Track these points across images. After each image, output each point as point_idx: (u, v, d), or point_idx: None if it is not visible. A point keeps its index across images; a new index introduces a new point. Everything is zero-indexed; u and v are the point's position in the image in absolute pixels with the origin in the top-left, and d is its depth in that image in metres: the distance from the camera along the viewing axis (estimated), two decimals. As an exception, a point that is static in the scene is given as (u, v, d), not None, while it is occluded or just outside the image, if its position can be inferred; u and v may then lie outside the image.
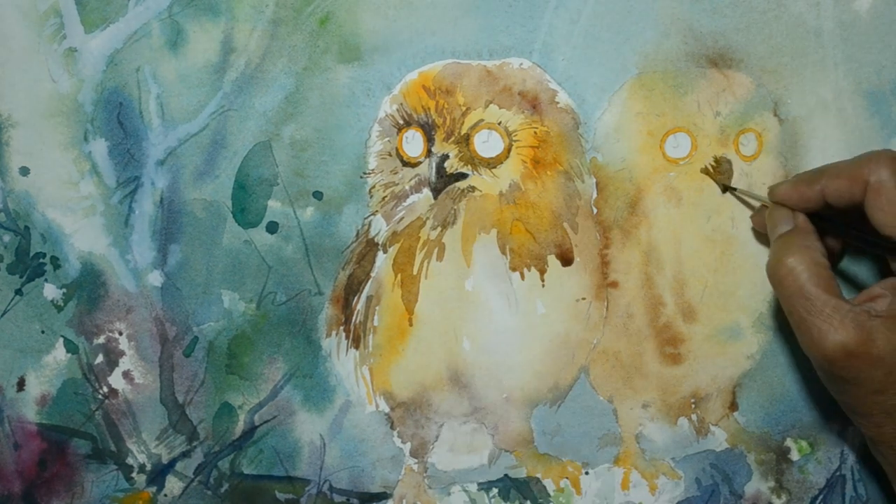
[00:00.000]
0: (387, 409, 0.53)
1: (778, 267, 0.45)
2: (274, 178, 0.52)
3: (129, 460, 0.54)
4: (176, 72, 0.52)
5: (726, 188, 0.52)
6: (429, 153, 0.52)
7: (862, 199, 0.45)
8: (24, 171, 0.53)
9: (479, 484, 0.53)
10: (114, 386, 0.53)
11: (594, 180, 0.52)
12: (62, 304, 0.53)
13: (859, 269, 0.52)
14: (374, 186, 0.52)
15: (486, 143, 0.52)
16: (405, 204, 0.52)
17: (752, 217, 0.52)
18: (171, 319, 0.53)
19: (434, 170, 0.52)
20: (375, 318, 0.53)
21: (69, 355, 0.53)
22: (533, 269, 0.52)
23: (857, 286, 0.51)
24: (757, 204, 0.51)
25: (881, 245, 0.45)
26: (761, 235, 0.52)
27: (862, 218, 0.45)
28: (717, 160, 0.52)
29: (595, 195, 0.52)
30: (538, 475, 0.53)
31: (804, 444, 0.53)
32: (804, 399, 0.53)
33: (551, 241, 0.52)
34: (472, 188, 0.52)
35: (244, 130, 0.52)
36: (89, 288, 0.53)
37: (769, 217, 0.48)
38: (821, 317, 0.43)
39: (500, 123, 0.51)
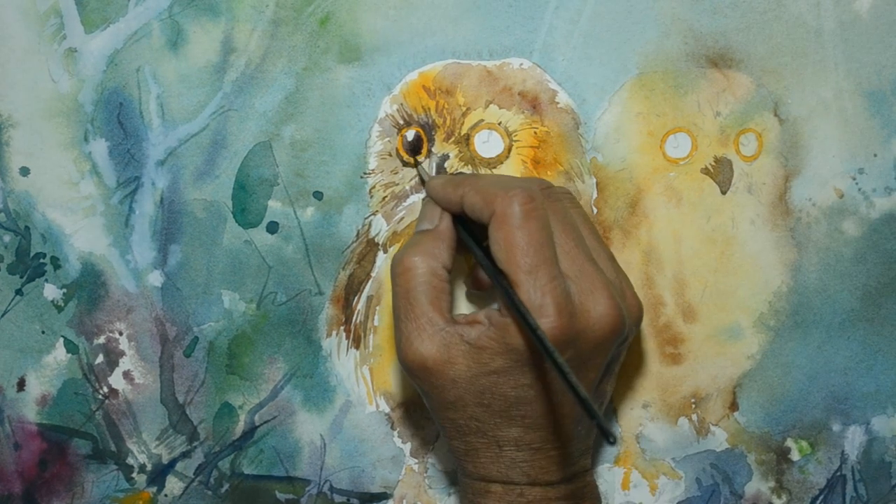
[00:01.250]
0: (387, 410, 0.53)
1: (399, 261, 0.44)
2: (274, 179, 0.52)
3: (130, 460, 0.54)
4: (176, 72, 0.52)
5: (412, 163, 0.50)
6: (429, 153, 0.52)
7: (488, 222, 0.43)
8: (25, 172, 0.53)
9: (479, 484, 0.53)
10: (114, 386, 0.53)
11: (594, 180, 0.52)
12: (62, 305, 0.53)
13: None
14: (374, 186, 0.52)
15: (487, 144, 0.52)
16: (405, 204, 0.52)
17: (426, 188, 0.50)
18: (172, 319, 0.53)
19: (434, 170, 0.51)
20: (376, 318, 0.53)
21: (69, 355, 0.53)
22: (533, 269, 0.52)
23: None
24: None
25: (492, 274, 0.43)
26: (761, 236, 0.52)
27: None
28: (717, 160, 0.52)
29: (595, 195, 0.52)
30: (538, 475, 0.53)
31: (804, 444, 0.53)
32: (804, 399, 0.53)
33: (551, 242, 0.52)
34: (473, 188, 0.52)
35: (244, 130, 0.52)
36: (89, 288, 0.53)
37: (422, 206, 0.48)
38: (415, 324, 0.43)
39: (500, 123, 0.51)
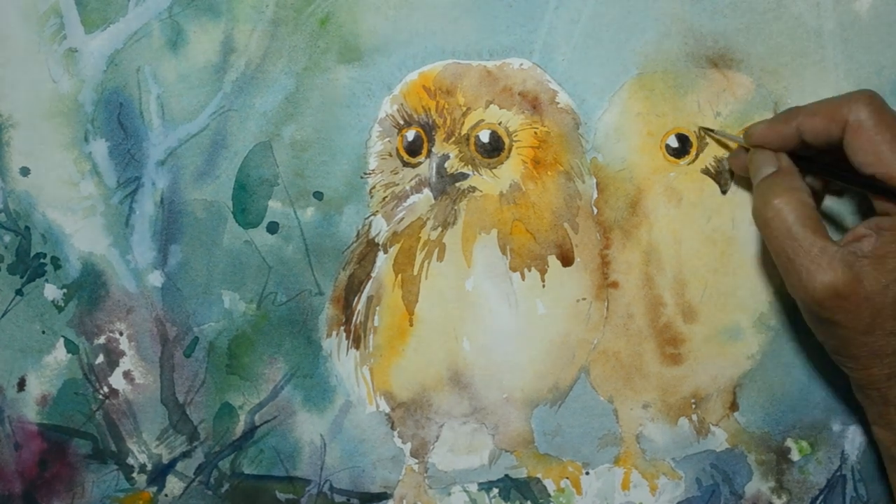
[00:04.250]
0: (387, 410, 0.53)
1: (765, 209, 0.45)
2: (274, 179, 0.52)
3: (130, 460, 0.54)
4: (176, 72, 0.52)
5: (703, 131, 0.51)
6: (429, 153, 0.52)
7: (840, 138, 0.44)
8: (25, 172, 0.53)
9: (479, 484, 0.53)
10: (114, 386, 0.53)
11: (594, 180, 0.52)
12: (63, 305, 0.53)
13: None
14: (374, 187, 0.52)
15: (487, 144, 0.52)
16: (405, 204, 0.52)
17: (729, 158, 0.51)
18: (172, 320, 0.53)
19: (434, 170, 0.52)
20: (376, 318, 0.53)
21: (70, 355, 0.53)
22: (533, 269, 0.52)
23: (839, 227, 0.51)
24: (734, 145, 0.51)
25: (862, 183, 0.45)
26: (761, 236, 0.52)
27: (839, 157, 0.45)
28: (717, 160, 0.52)
29: (595, 195, 0.52)
30: (539, 475, 0.53)
31: (804, 444, 0.53)
32: (804, 399, 0.53)
33: (552, 242, 0.52)
34: (473, 188, 0.52)
35: (244, 131, 0.52)
36: (90, 288, 0.53)
37: (751, 160, 0.48)
38: (808, 258, 0.43)
39: (500, 124, 0.51)
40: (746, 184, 0.51)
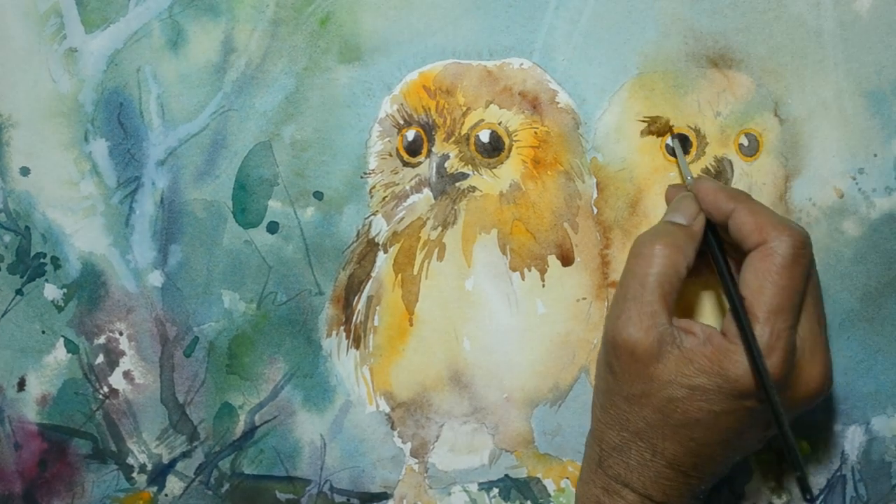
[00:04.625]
0: (387, 409, 0.53)
1: (644, 244, 0.45)
2: (274, 179, 0.52)
3: (130, 460, 0.54)
4: (176, 72, 0.52)
5: (669, 131, 0.51)
6: (429, 153, 0.52)
7: (751, 249, 0.44)
8: (25, 172, 0.53)
9: (479, 484, 0.53)
10: (114, 386, 0.53)
11: (594, 180, 0.52)
12: (63, 305, 0.53)
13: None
14: (374, 186, 0.52)
15: (487, 143, 0.52)
16: (405, 204, 0.52)
17: (669, 187, 0.51)
18: (172, 319, 0.53)
19: (434, 170, 0.52)
20: (376, 318, 0.53)
21: (70, 355, 0.53)
22: (533, 269, 0.52)
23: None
24: (682, 176, 0.51)
25: (733, 296, 0.44)
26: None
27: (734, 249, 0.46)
28: (717, 160, 0.52)
29: (595, 195, 0.52)
30: (539, 475, 0.53)
31: (804, 444, 0.53)
32: (804, 399, 0.53)
33: (552, 241, 0.52)
34: (473, 188, 0.52)
35: (244, 130, 0.52)
36: (90, 288, 0.53)
37: (677, 199, 0.48)
38: (637, 309, 0.44)
39: (500, 123, 0.51)
40: (747, 186, 0.51)
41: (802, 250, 0.43)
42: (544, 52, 0.52)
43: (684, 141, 0.52)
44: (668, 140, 0.52)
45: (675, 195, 0.49)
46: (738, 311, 0.43)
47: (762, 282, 0.43)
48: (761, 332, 0.42)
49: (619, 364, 0.44)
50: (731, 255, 0.47)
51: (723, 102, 0.52)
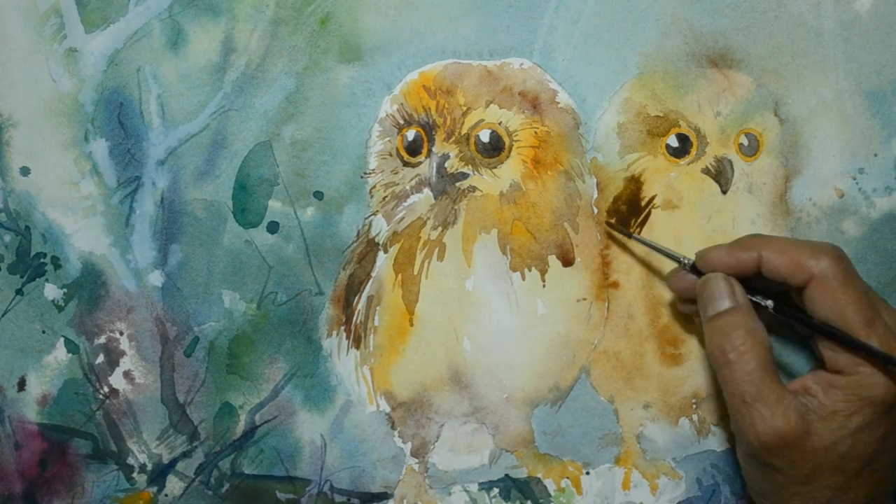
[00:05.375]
0: (387, 409, 0.53)
1: (725, 350, 0.45)
2: (274, 178, 0.52)
3: (130, 460, 0.54)
4: (176, 72, 0.52)
5: (628, 234, 0.51)
6: (429, 153, 0.52)
7: (802, 285, 0.45)
8: (25, 171, 0.53)
9: (479, 484, 0.53)
10: (114, 386, 0.53)
11: (595, 180, 0.52)
12: (63, 304, 0.53)
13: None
14: (374, 186, 0.52)
15: (487, 143, 0.52)
16: (406, 204, 0.52)
17: (670, 278, 0.50)
18: (172, 319, 0.53)
19: (434, 169, 0.52)
20: (376, 318, 0.53)
21: (70, 355, 0.53)
22: (533, 269, 0.52)
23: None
24: (667, 257, 0.50)
25: (822, 330, 0.45)
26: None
27: (787, 293, 0.46)
28: (717, 160, 0.52)
29: (596, 195, 0.52)
30: (539, 475, 0.53)
31: None
32: (805, 399, 0.53)
33: (552, 242, 0.52)
34: (473, 188, 0.52)
35: (245, 130, 0.52)
36: (90, 288, 0.53)
37: (703, 287, 0.47)
38: (765, 404, 0.44)
39: (500, 123, 0.51)
40: (747, 186, 0.51)
41: (842, 259, 0.44)
42: (544, 52, 0.52)
43: (684, 141, 0.52)
44: (669, 140, 0.52)
45: (683, 282, 0.49)
46: (850, 342, 0.43)
47: (840, 308, 0.44)
48: (878, 345, 0.43)
49: (780, 460, 0.44)
50: (778, 288, 0.46)
51: (723, 102, 0.52)
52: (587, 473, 0.53)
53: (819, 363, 0.46)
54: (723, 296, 0.46)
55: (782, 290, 0.46)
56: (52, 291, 0.53)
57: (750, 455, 0.45)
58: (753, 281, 0.46)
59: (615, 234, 0.51)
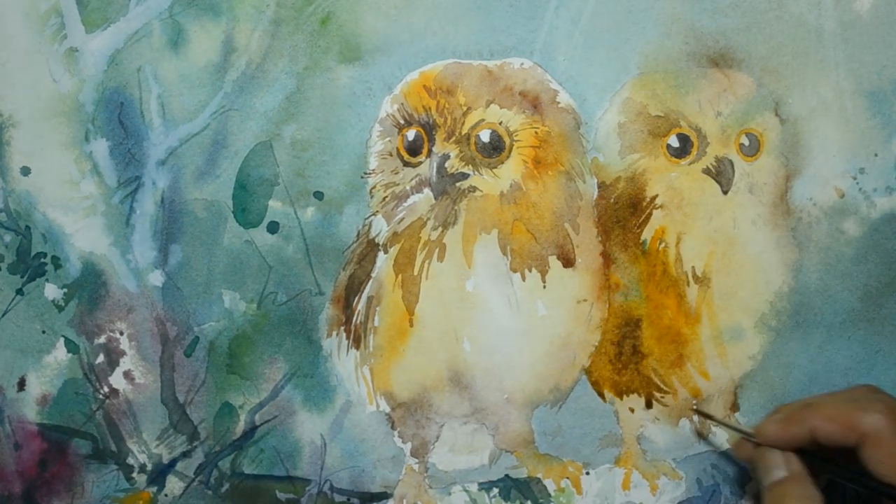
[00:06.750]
0: (387, 410, 0.53)
1: None
2: (275, 178, 0.52)
3: (130, 460, 0.54)
4: (177, 72, 0.52)
5: (712, 420, 0.52)
6: (429, 153, 0.52)
7: (855, 444, 0.45)
8: (25, 171, 0.53)
9: (479, 484, 0.53)
10: (114, 386, 0.53)
11: (595, 180, 0.52)
12: (63, 304, 0.53)
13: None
14: (374, 186, 0.52)
15: (487, 143, 0.52)
16: (406, 204, 0.52)
17: (733, 446, 0.52)
18: (172, 319, 0.53)
19: (435, 170, 0.51)
20: (376, 318, 0.53)
21: (70, 355, 0.53)
22: (534, 269, 0.52)
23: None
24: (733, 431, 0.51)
25: (878, 489, 0.45)
26: (763, 236, 0.52)
27: (848, 454, 0.46)
28: (718, 160, 0.52)
29: (597, 195, 0.52)
30: (539, 475, 0.53)
31: (805, 444, 0.53)
32: (805, 399, 0.53)
33: (552, 242, 0.52)
34: (473, 188, 0.52)
35: (245, 130, 0.52)
36: (90, 288, 0.53)
37: (759, 458, 0.48)
38: None
39: (501, 123, 0.51)
40: (748, 186, 0.51)
41: (890, 410, 0.44)
42: (545, 52, 0.52)
43: (685, 141, 0.52)
44: (670, 140, 0.52)
45: (748, 453, 0.49)
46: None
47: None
48: None
49: None
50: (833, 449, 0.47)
51: (723, 102, 0.52)
52: (587, 474, 0.53)
53: None
54: (776, 466, 0.47)
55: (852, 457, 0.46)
56: (52, 291, 0.53)
57: None
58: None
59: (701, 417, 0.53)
